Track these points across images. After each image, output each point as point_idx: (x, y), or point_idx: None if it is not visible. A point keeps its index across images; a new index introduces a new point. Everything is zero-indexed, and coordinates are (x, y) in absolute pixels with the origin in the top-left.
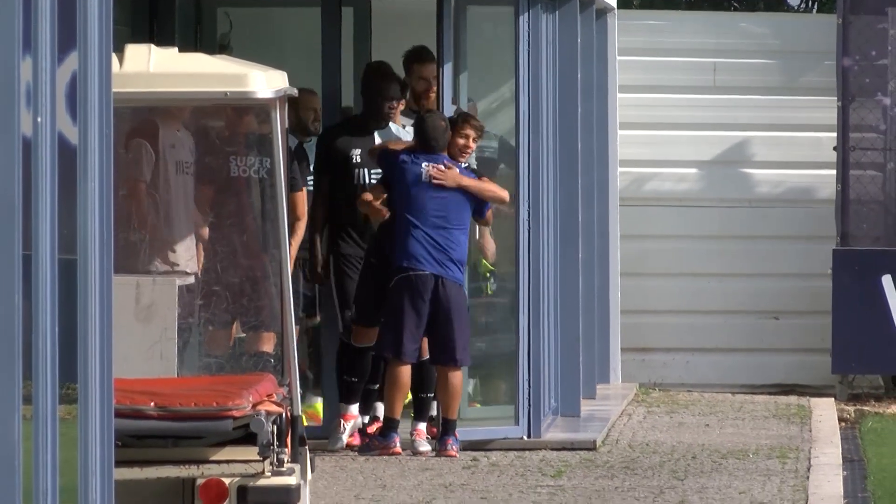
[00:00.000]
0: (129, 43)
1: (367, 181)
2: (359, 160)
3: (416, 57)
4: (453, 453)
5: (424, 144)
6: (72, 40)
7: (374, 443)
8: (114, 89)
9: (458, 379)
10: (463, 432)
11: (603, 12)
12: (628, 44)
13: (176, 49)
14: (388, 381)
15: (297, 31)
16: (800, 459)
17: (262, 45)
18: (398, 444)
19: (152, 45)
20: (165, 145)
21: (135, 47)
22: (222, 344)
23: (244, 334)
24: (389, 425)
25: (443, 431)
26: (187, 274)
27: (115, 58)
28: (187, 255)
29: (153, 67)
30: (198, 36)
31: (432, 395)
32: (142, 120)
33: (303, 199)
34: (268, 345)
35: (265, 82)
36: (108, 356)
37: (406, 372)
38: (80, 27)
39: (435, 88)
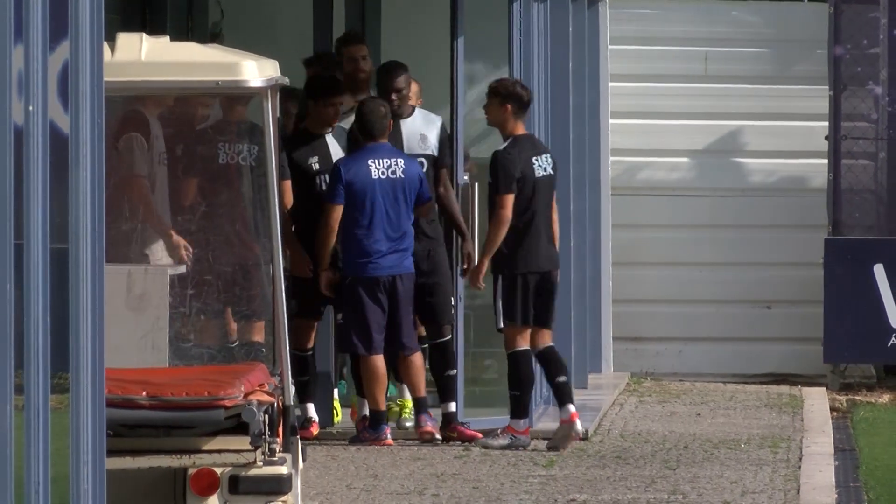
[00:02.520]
0: (121, 32)
1: None
2: None
3: (346, 40)
4: (431, 429)
5: (366, 133)
6: (63, 29)
7: (364, 434)
8: (105, 78)
9: (419, 358)
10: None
11: (594, 1)
12: (620, 33)
13: (168, 38)
14: (367, 376)
15: (288, 18)
16: (791, 449)
17: (254, 33)
18: (389, 436)
19: (144, 34)
20: (153, 137)
21: (126, 36)
22: (214, 333)
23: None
24: (378, 417)
25: (417, 410)
26: (178, 264)
27: (106, 46)
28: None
29: (145, 56)
30: (189, 25)
31: (454, 371)
32: (131, 112)
33: (289, 187)
34: (259, 334)
35: (257, 71)
36: (99, 346)
37: (381, 362)
38: (72, 16)
39: (363, 68)
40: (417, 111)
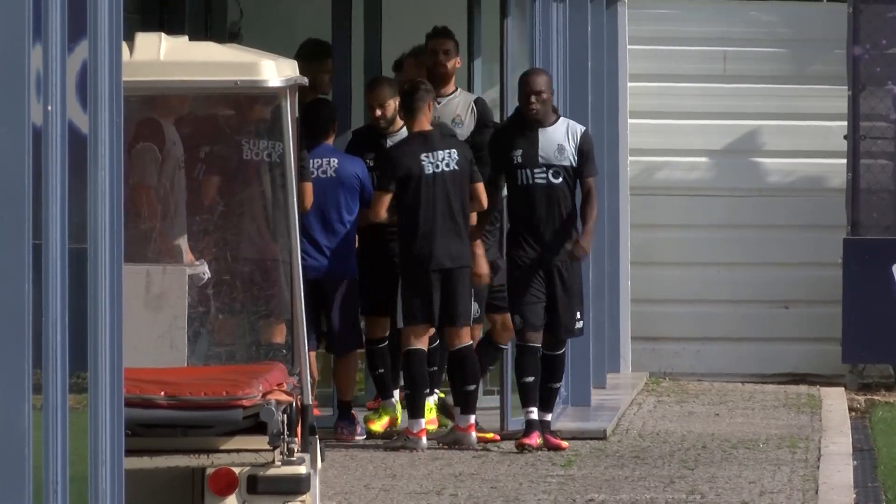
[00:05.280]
0: (140, 31)
1: (531, 181)
2: (520, 160)
3: (432, 34)
4: (347, 437)
5: (310, 133)
6: (82, 29)
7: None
8: (124, 78)
9: (351, 362)
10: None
11: (613, 1)
12: (638, 33)
13: (186, 38)
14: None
15: (307, 18)
16: (810, 449)
17: (272, 33)
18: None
19: (162, 34)
20: (169, 144)
21: (145, 36)
22: (232, 333)
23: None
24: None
25: (340, 414)
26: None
27: (125, 46)
28: (184, 253)
29: (163, 56)
30: (208, 24)
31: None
32: (146, 120)
33: (309, 189)
34: (278, 334)
35: (275, 71)
36: (118, 345)
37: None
38: (91, 15)
39: (443, 62)
40: (561, 120)
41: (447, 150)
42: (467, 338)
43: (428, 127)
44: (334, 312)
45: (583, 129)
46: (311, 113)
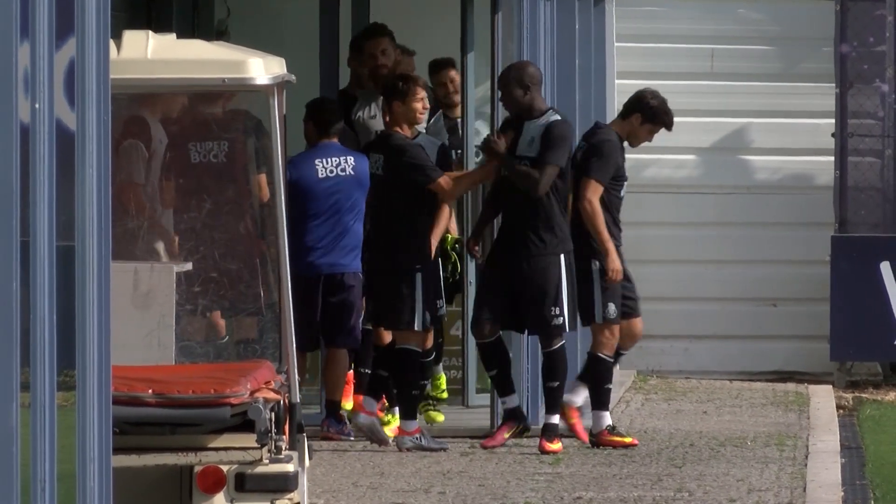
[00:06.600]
0: (127, 29)
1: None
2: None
3: (364, 34)
4: (333, 435)
5: (323, 130)
6: (69, 26)
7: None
8: (111, 76)
9: (343, 358)
10: (462, 419)
11: None
12: (626, 30)
13: (174, 35)
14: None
15: (294, 15)
16: (798, 447)
17: (260, 31)
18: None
19: (150, 32)
20: (155, 142)
21: (132, 33)
22: (215, 331)
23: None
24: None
25: (327, 412)
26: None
27: (112, 44)
28: (168, 249)
29: (151, 54)
30: (195, 22)
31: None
32: (133, 118)
33: (265, 181)
34: (264, 332)
35: (263, 69)
36: (106, 343)
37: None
38: (78, 13)
39: (384, 63)
40: (547, 114)
41: (377, 155)
42: (405, 341)
43: (395, 129)
44: (337, 309)
45: (553, 121)
46: (331, 110)
